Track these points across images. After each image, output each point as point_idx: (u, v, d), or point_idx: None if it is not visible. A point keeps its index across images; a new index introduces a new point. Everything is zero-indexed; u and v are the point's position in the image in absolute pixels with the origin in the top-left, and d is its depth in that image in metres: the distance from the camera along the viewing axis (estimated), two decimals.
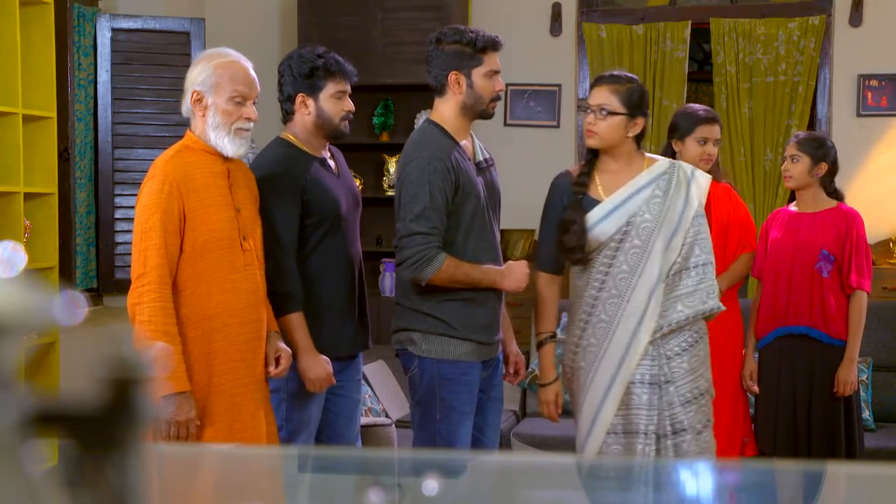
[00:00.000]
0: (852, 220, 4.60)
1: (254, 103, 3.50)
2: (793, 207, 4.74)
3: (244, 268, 3.43)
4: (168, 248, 3.30)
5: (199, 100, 3.43)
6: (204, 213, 3.36)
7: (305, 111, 3.83)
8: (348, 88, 3.87)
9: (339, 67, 3.84)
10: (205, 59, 3.47)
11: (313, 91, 3.82)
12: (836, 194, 4.68)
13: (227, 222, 3.40)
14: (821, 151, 4.61)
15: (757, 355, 4.72)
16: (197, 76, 3.43)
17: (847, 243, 4.57)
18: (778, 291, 4.61)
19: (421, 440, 3.80)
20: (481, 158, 3.86)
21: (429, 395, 3.74)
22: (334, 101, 3.83)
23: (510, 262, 3.82)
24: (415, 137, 3.78)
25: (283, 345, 3.57)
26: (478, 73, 3.75)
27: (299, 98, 3.83)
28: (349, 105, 3.86)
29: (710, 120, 4.63)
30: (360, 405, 4.09)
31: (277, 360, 3.54)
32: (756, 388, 4.63)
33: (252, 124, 3.48)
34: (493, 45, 3.78)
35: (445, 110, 3.79)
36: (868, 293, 4.61)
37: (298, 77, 3.82)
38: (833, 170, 4.65)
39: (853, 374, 4.54)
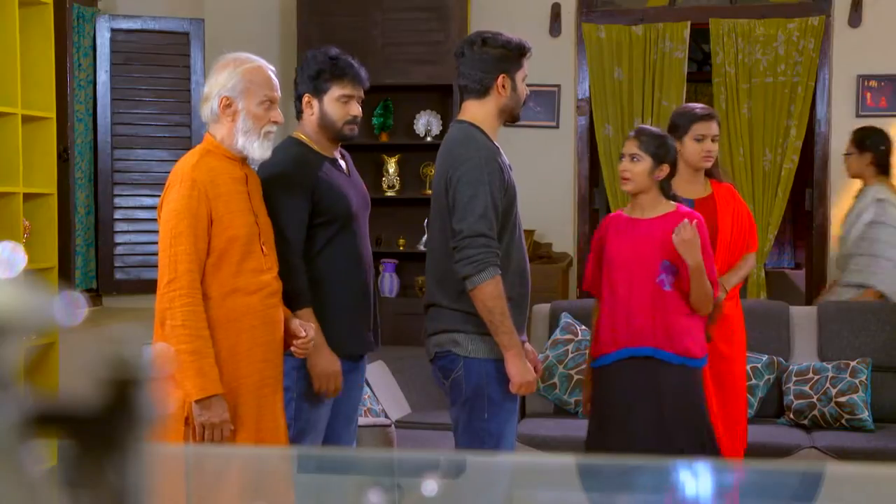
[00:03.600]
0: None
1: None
2: (626, 212, 4.26)
3: (265, 271, 3.48)
4: (198, 253, 3.34)
5: (229, 105, 3.45)
6: (229, 218, 3.40)
7: (310, 111, 3.85)
8: (357, 93, 3.85)
9: (349, 71, 3.83)
10: (231, 65, 3.49)
11: (318, 93, 3.83)
12: (674, 198, 4.22)
13: (249, 227, 3.45)
14: (662, 151, 4.13)
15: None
16: (226, 81, 3.46)
17: None
18: (616, 308, 4.12)
19: (466, 441, 3.78)
20: (508, 161, 3.88)
21: (476, 395, 3.73)
22: (339, 105, 3.82)
23: (531, 364, 3.79)
24: (458, 137, 3.76)
25: (303, 321, 3.62)
26: (519, 77, 3.79)
27: (305, 98, 3.86)
28: (355, 110, 3.85)
29: (706, 117, 4.60)
30: (359, 408, 4.10)
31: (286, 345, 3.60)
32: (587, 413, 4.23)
33: (276, 127, 3.53)
34: (529, 52, 3.84)
35: (482, 112, 3.79)
36: (718, 297, 4.17)
37: (306, 77, 3.85)
38: (672, 172, 4.18)
39: (699, 247, 3.98)
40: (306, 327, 3.58)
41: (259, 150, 3.48)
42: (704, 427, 4.10)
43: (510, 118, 3.85)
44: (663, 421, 4.04)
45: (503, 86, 3.76)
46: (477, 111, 3.79)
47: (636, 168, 4.12)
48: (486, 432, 3.73)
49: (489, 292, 3.62)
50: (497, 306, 3.64)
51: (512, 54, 3.78)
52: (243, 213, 3.45)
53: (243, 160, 3.52)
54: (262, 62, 3.55)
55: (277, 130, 3.58)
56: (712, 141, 4.59)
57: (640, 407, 4.06)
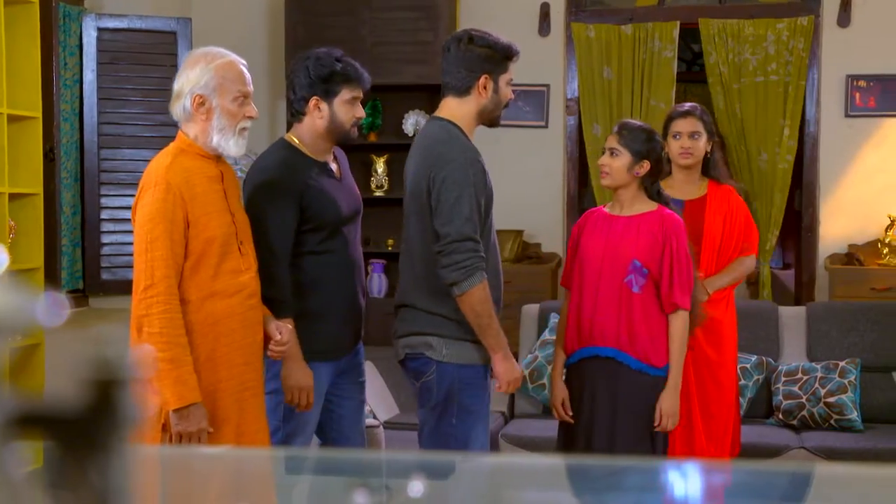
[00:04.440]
0: (672, 228, 3.98)
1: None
2: (607, 209, 4.18)
3: (244, 272, 3.41)
4: (174, 258, 3.27)
5: (202, 103, 3.37)
6: (206, 220, 3.33)
7: (318, 115, 3.78)
8: (361, 94, 3.84)
9: (356, 73, 3.83)
10: (202, 61, 3.40)
11: (328, 95, 3.77)
12: (659, 197, 4.09)
13: (227, 227, 3.38)
14: (645, 147, 4.01)
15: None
16: (198, 79, 3.37)
17: (665, 254, 3.96)
18: (583, 305, 4.03)
19: (432, 444, 3.76)
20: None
21: (447, 399, 3.72)
22: (347, 107, 3.79)
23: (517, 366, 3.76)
24: (440, 137, 3.71)
25: (280, 322, 3.56)
26: (503, 80, 3.75)
27: (313, 101, 3.78)
28: (361, 112, 3.84)
29: (682, 113, 4.60)
30: (364, 407, 4.08)
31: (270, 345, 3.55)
32: (569, 417, 4.06)
33: (251, 122, 3.47)
34: (516, 55, 3.79)
35: (461, 111, 3.75)
36: (688, 311, 4.01)
37: (315, 79, 3.77)
38: (656, 169, 4.07)
39: (677, 404, 4.00)
40: (282, 329, 3.53)
41: (235, 146, 3.41)
42: (650, 439, 4.00)
43: (488, 121, 3.79)
44: (615, 425, 3.97)
45: (484, 86, 3.72)
46: (456, 109, 3.75)
47: (615, 163, 4.02)
48: (452, 437, 3.72)
49: (478, 297, 3.60)
50: (485, 310, 3.63)
51: (497, 56, 3.73)
52: (220, 214, 3.37)
53: (218, 157, 3.45)
54: (234, 56, 3.47)
55: (252, 125, 3.52)
56: (690, 138, 4.56)
57: (599, 408, 3.99)
